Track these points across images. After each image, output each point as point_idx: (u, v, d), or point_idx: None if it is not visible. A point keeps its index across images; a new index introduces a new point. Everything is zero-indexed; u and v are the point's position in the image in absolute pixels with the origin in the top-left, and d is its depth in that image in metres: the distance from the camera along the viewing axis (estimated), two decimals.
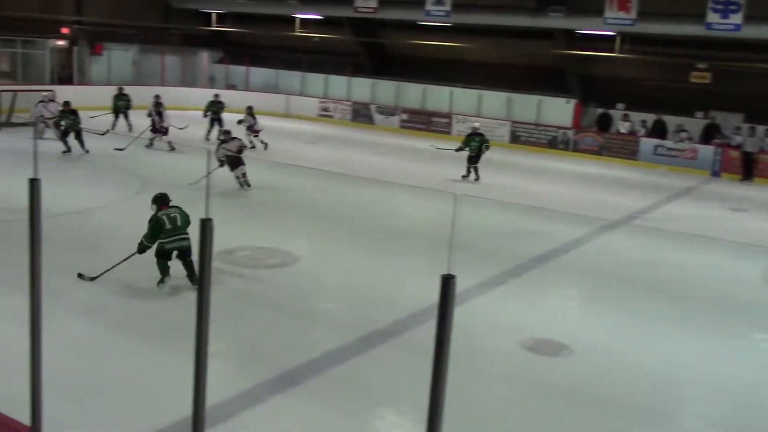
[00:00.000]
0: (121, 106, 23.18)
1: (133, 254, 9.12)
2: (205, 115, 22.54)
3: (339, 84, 30.98)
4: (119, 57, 30.42)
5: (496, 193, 17.06)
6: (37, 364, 4.44)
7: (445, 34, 27.72)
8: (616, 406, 7.13)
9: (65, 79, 28.60)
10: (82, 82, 29.08)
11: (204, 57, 33.70)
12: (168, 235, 9.13)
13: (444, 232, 12.35)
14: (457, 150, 19.04)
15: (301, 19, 30.49)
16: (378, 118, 29.71)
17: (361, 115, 30.14)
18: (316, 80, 31.52)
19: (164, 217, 9.18)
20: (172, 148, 19.73)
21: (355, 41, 30.38)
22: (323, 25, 30.52)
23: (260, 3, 30.09)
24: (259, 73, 32.20)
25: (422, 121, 28.71)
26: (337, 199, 15.66)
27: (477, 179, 18.65)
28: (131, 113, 23.19)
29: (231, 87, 32.51)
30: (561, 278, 11.41)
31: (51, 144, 18.51)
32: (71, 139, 18.28)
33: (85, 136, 18.27)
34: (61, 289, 8.48)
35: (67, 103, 19.03)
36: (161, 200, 9.54)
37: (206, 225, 3.51)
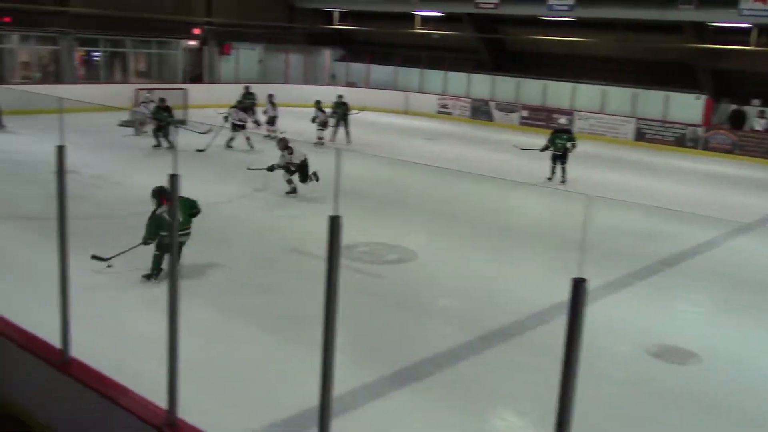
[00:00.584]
0: (248, 104, 23.90)
1: (138, 245, 9.07)
2: (332, 116, 22.09)
3: (458, 81, 30.87)
4: (246, 56, 31.51)
5: (621, 193, 16.53)
6: (174, 350, 4.67)
7: (567, 29, 27.10)
8: (745, 419, 6.77)
9: (196, 78, 29.91)
10: (211, 81, 30.32)
11: (326, 55, 34.39)
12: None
13: (565, 233, 12.13)
14: (543, 150, 17.60)
15: (422, 16, 30.58)
16: (497, 114, 29.41)
17: (480, 111, 29.93)
18: (435, 77, 31.54)
19: (164, 215, 8.79)
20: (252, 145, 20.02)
21: (475, 37, 30.18)
22: (443, 21, 30.50)
23: (382, 1, 30.40)
24: (379, 71, 32.54)
25: (543, 118, 28.19)
26: (455, 196, 15.62)
27: (563, 181, 17.26)
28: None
29: (351, 84, 33.04)
30: (690, 282, 10.94)
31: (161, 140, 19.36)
32: (163, 134, 18.99)
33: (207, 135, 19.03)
34: (191, 279, 8.89)
35: (162, 100, 19.87)
36: (160, 194, 8.99)
37: (335, 222, 3.58)
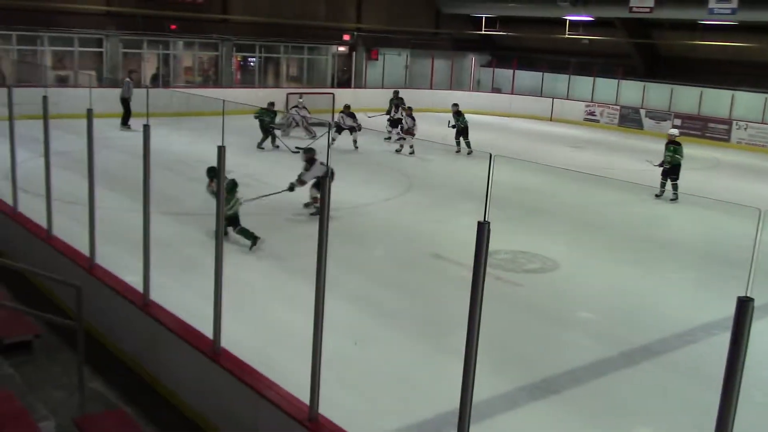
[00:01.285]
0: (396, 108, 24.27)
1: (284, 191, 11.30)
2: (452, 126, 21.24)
3: (607, 87, 29.93)
4: (393, 61, 31.99)
5: None
6: (318, 349, 4.83)
7: (728, 33, 25.68)
8: None
9: (344, 83, 30.70)
10: (358, 86, 31.01)
11: (472, 60, 34.34)
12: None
13: (718, 247, 11.51)
14: (661, 165, 16.00)
15: (571, 21, 29.92)
16: (648, 123, 28.28)
17: (629, 119, 28.90)
18: (583, 83, 30.73)
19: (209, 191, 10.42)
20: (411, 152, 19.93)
21: (626, 42, 29.19)
22: (594, 26, 29.71)
23: (530, 6, 29.99)
24: (525, 76, 32.11)
25: (698, 128, 26.85)
26: (599, 205, 15.17)
27: (674, 198, 15.70)
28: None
29: (496, 90, 32.83)
30: None
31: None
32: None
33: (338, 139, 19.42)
34: (335, 279, 9.13)
35: (271, 104, 20.41)
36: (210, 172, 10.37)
37: (483, 228, 3.59)
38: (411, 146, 19.62)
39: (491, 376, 7.09)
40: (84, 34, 24.62)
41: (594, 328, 8.84)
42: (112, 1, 24.91)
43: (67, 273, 7.75)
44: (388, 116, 23.19)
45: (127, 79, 21.62)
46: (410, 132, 19.88)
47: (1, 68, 24.07)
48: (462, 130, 20.69)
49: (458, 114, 20.88)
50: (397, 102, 23.97)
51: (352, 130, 19.93)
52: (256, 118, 19.67)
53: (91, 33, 24.73)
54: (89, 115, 7.44)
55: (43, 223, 8.87)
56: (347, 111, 20.32)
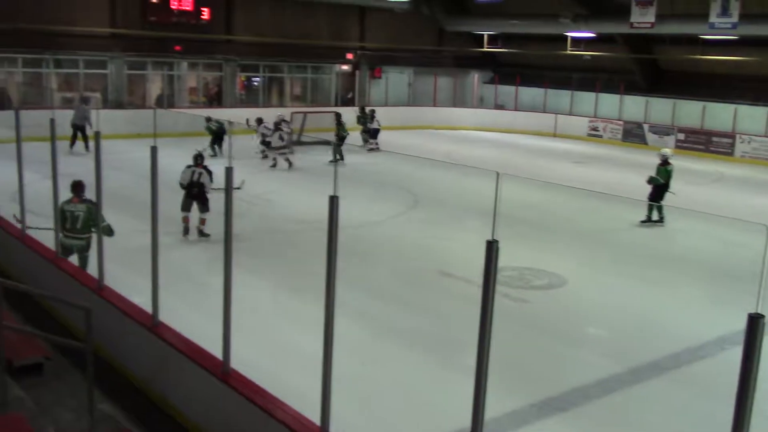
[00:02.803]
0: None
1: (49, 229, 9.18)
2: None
3: (610, 102, 30.02)
4: (396, 79, 32.14)
5: None
6: (328, 367, 4.83)
7: (729, 48, 25.75)
8: None
9: (347, 101, 30.82)
10: (362, 104, 31.11)
11: (475, 77, 34.49)
12: (68, 231, 8.96)
13: (729, 262, 11.49)
14: (649, 182, 15.09)
15: (573, 37, 30.06)
16: (651, 137, 28.32)
17: (632, 134, 28.95)
18: (585, 99, 30.83)
19: (68, 213, 8.93)
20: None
21: (628, 58, 29.29)
22: (595, 42, 29.83)
23: (532, 23, 30.14)
24: (528, 93, 32.23)
25: (701, 142, 26.89)
26: (605, 221, 15.18)
27: (657, 220, 14.92)
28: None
29: (499, 107, 32.93)
30: None
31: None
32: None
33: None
34: (342, 296, 9.13)
35: (258, 120, 20.70)
36: (74, 189, 9.06)
37: (492, 247, 3.61)
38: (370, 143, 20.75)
39: (500, 394, 7.05)
40: (89, 56, 24.81)
41: (603, 345, 8.83)
42: (116, 23, 25.10)
43: (75, 295, 7.77)
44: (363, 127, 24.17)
45: (81, 105, 21.17)
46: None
47: (8, 91, 24.21)
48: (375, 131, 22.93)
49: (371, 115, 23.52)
50: (365, 116, 24.60)
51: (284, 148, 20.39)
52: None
53: (96, 55, 24.92)
54: (97, 137, 7.50)
55: (51, 245, 8.91)
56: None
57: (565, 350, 8.46)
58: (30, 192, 10.00)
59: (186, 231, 12.08)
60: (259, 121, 20.60)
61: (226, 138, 20.82)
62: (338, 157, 20.75)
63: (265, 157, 20.05)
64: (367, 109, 25.00)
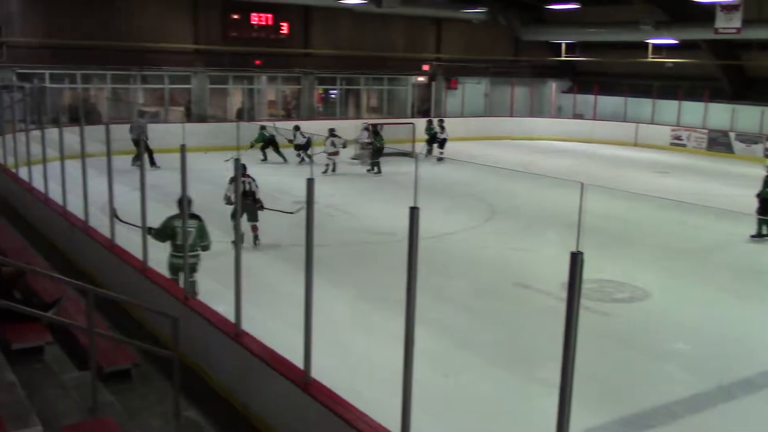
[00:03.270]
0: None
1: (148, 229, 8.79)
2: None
3: (693, 110, 29.11)
4: (472, 90, 32.02)
5: None
6: (409, 379, 4.83)
7: None
8: None
9: (423, 112, 30.88)
10: (438, 115, 31.13)
11: (552, 87, 34.05)
12: (176, 250, 8.62)
13: None
14: (758, 195, 14.22)
15: (654, 44, 29.36)
16: (738, 146, 27.35)
17: (718, 143, 28.01)
18: (667, 107, 29.99)
19: (177, 229, 8.46)
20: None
21: (713, 64, 28.41)
22: (678, 49, 29.04)
23: (612, 31, 29.59)
24: (607, 102, 31.58)
25: None
26: (690, 232, 14.72)
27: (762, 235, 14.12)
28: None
29: (578, 116, 32.40)
30: None
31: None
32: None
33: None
34: (420, 308, 9.13)
35: (331, 130, 21.15)
36: (182, 205, 8.30)
37: (576, 258, 3.55)
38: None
39: (581, 409, 6.92)
40: (174, 71, 25.63)
41: (689, 360, 8.55)
42: (199, 40, 25.87)
43: (163, 303, 8.01)
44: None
45: (138, 119, 21.18)
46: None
47: (97, 107, 25.22)
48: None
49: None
50: (431, 128, 24.83)
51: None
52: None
53: (180, 70, 25.72)
54: (182, 150, 7.71)
55: (139, 255, 9.21)
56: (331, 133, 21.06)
57: (648, 365, 8.24)
58: (118, 203, 10.36)
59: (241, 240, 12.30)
60: (331, 131, 21.10)
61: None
62: (376, 169, 21.14)
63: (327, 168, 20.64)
64: (435, 120, 25.16)
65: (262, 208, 12.42)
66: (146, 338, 7.90)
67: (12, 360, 6.12)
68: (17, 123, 17.05)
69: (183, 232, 8.19)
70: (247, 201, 11.94)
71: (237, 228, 7.19)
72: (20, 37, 22.58)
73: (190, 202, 8.33)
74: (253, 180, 12.44)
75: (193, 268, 8.48)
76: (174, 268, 8.81)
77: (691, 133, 28.86)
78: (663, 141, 29.48)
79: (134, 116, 22.29)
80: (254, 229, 12.45)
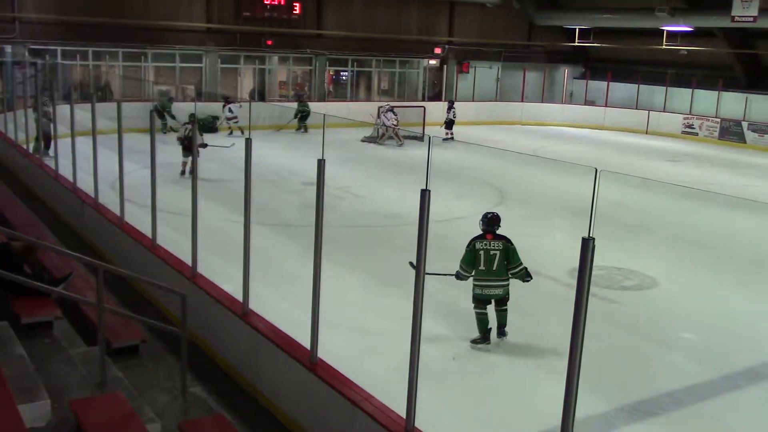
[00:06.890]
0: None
1: (450, 275, 8.06)
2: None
3: (706, 99, 28.90)
4: (483, 74, 31.84)
5: None
6: (415, 362, 4.85)
7: None
8: None
9: (434, 96, 30.76)
10: (449, 99, 31.00)
11: (565, 72, 33.82)
12: (481, 277, 7.79)
13: None
14: None
15: (669, 31, 29.10)
16: (750, 136, 27.16)
17: (730, 132, 27.83)
18: (680, 95, 29.77)
19: (481, 252, 7.68)
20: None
21: (727, 53, 28.16)
22: (693, 36, 28.78)
23: (626, 17, 29.33)
24: (620, 88, 31.36)
25: None
26: (700, 221, 14.66)
27: None
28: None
29: (590, 103, 32.23)
30: None
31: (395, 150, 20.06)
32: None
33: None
34: (429, 292, 9.14)
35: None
36: (487, 224, 7.77)
37: (587, 244, 3.54)
38: None
39: (587, 395, 6.93)
40: (185, 50, 25.58)
41: (695, 349, 8.55)
42: (212, 18, 25.79)
43: (170, 281, 8.04)
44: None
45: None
46: None
47: (109, 84, 25.24)
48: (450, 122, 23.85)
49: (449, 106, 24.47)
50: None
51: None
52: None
53: (192, 49, 25.67)
54: (193, 127, 7.70)
55: (149, 233, 9.24)
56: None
57: (654, 353, 8.23)
58: (128, 181, 10.38)
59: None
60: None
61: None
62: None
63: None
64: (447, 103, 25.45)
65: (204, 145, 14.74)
66: (154, 316, 7.94)
67: (21, 334, 6.17)
68: (29, 99, 17.08)
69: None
70: (185, 143, 15.46)
71: (246, 206, 7.07)
72: (33, 12, 22.54)
73: (498, 220, 7.86)
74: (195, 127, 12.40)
75: (502, 298, 7.81)
76: (479, 300, 7.87)
77: (704, 122, 28.67)
78: (675, 129, 29.31)
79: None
80: (183, 165, 15.64)
